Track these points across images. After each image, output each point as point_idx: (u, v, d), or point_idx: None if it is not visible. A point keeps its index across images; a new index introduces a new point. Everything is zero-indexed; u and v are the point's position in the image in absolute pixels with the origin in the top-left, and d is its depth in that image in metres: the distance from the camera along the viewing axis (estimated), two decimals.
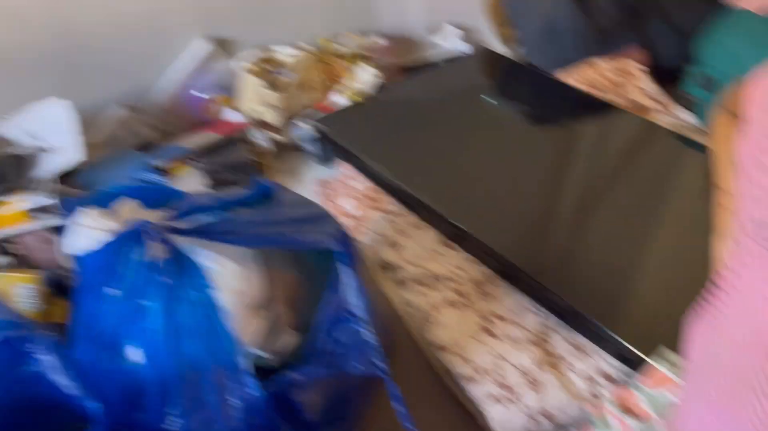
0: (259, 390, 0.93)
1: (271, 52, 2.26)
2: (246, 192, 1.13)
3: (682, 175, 1.76)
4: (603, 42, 2.19)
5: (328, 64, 2.24)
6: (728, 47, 1.94)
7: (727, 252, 0.82)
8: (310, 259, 1.26)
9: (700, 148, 1.81)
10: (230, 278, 1.02)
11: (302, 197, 1.25)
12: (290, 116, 2.17)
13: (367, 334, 1.03)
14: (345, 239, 1.10)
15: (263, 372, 1.01)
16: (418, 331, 1.55)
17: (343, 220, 1.83)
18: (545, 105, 2.09)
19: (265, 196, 1.15)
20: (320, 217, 1.16)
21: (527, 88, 2.18)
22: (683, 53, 2.18)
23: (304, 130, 2.08)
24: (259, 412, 0.93)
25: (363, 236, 1.80)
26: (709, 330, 0.81)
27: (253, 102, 2.14)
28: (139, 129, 2.12)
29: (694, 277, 1.26)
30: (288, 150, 2.23)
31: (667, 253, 1.52)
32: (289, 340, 1.13)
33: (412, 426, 0.96)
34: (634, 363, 1.31)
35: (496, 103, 2.06)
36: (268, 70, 2.21)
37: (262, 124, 2.15)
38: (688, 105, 2.06)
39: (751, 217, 0.71)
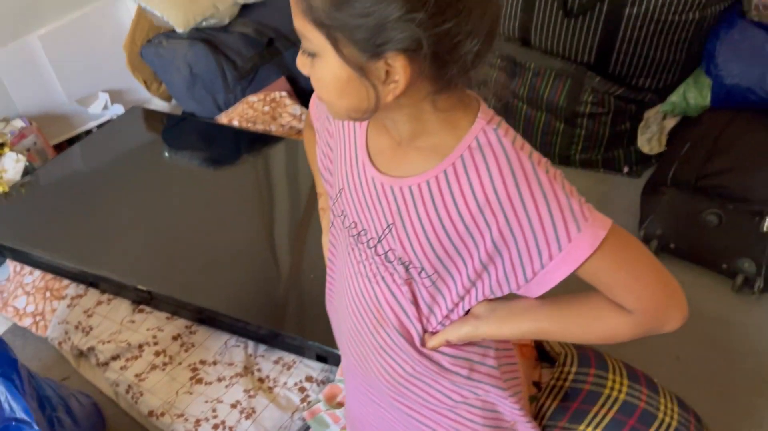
0: None
1: None
2: None
3: None
4: (249, 80, 2.34)
5: None
6: None
7: (327, 245, 0.97)
8: None
9: None
10: None
11: None
12: None
13: None
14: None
15: None
16: (130, 407, 1.50)
17: (25, 321, 1.71)
18: (207, 150, 2.17)
19: None
20: None
21: (187, 136, 2.25)
22: None
23: None
24: None
25: (49, 331, 1.68)
26: (331, 308, 0.96)
27: None
28: None
29: None
30: None
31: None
32: None
33: None
34: (329, 361, 1.45)
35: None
36: None
37: None
38: None
39: (332, 209, 0.85)
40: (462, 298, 0.76)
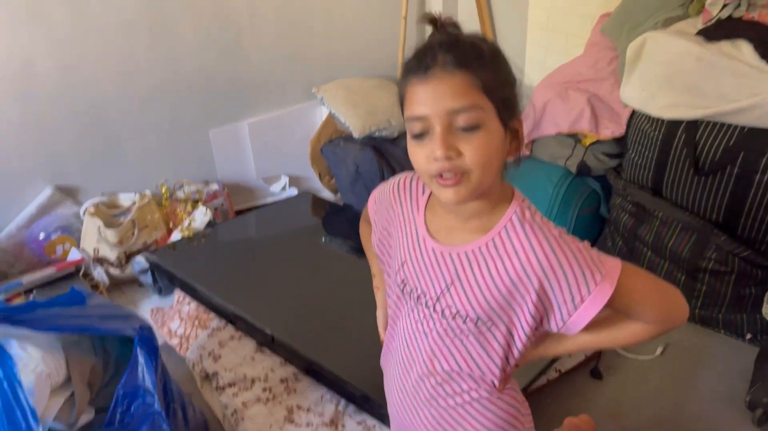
0: None
1: (114, 197, 2.53)
2: (58, 298, 1.35)
3: None
4: None
5: (166, 207, 2.53)
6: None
7: (380, 317, 1.17)
8: (113, 348, 1.46)
9: None
10: (34, 361, 1.20)
11: (113, 303, 1.48)
12: (129, 253, 2.40)
13: (157, 405, 1.23)
14: (145, 330, 1.33)
15: None
16: (231, 429, 1.73)
17: (173, 341, 2.05)
18: (354, 237, 2.48)
19: (77, 300, 1.36)
20: (125, 315, 1.38)
21: (343, 223, 2.59)
22: None
23: (142, 264, 2.30)
24: None
25: (189, 352, 2.00)
26: (385, 361, 1.13)
27: (92, 240, 2.36)
28: None
29: None
30: (128, 283, 2.42)
31: None
32: (86, 416, 1.30)
33: None
34: None
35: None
36: (110, 213, 2.46)
37: (101, 260, 2.36)
38: None
39: (391, 282, 1.04)
40: (513, 342, 0.91)
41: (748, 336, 1.99)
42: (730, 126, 1.82)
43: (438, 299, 0.91)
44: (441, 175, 0.81)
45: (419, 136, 0.82)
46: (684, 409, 1.77)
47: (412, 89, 0.81)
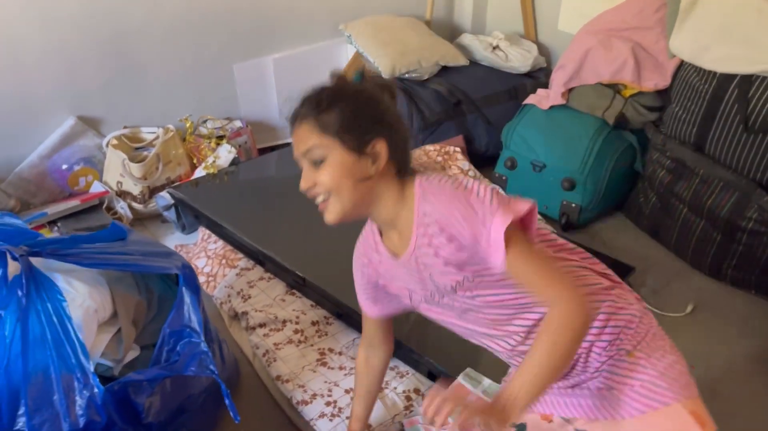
0: (100, 388, 1.08)
1: (136, 131, 2.47)
2: (99, 233, 1.31)
3: None
4: (431, 131, 2.61)
5: (190, 143, 2.48)
6: (522, 134, 2.41)
7: None
8: (155, 286, 1.45)
9: None
10: (81, 296, 1.18)
11: (152, 239, 1.45)
12: (152, 188, 2.35)
13: (203, 345, 1.21)
14: (187, 269, 1.30)
15: (109, 380, 1.16)
16: (263, 368, 1.74)
17: (200, 279, 2.03)
18: None
19: (119, 235, 1.33)
20: (166, 253, 1.36)
21: None
22: (495, 140, 2.65)
23: (165, 199, 2.27)
24: (100, 409, 1.07)
25: (216, 291, 1.99)
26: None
27: (116, 174, 2.31)
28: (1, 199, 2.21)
29: None
30: (151, 219, 2.39)
31: None
32: (132, 353, 1.29)
33: (236, 416, 1.14)
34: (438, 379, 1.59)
35: None
36: (132, 146, 2.41)
37: (124, 194, 2.32)
38: (498, 181, 2.50)
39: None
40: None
41: None
42: None
43: (437, 291, 1.04)
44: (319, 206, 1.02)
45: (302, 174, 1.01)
46: (713, 368, 1.77)
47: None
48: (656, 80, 2.18)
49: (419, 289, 1.07)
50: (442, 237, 0.95)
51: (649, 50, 2.22)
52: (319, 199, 1.01)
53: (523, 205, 0.93)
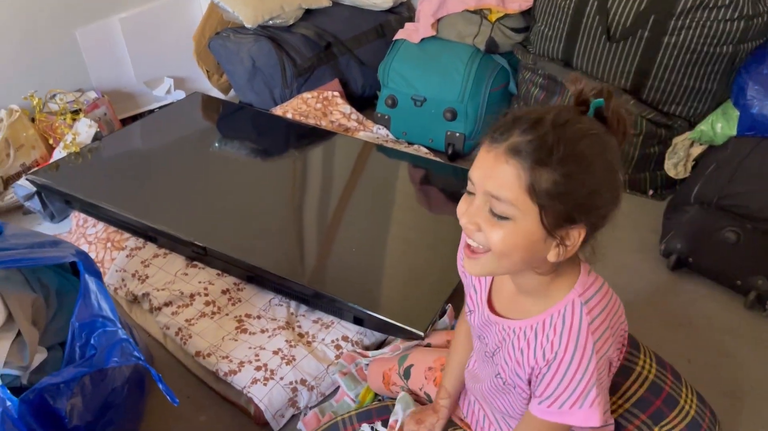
0: (13, 400, 0.95)
1: None
2: None
3: (387, 175, 2.12)
4: (305, 78, 2.52)
5: (42, 121, 2.21)
6: (398, 70, 2.39)
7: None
8: (48, 280, 1.29)
9: (396, 154, 2.22)
10: None
11: (32, 230, 1.28)
12: (6, 177, 2.09)
13: (121, 332, 1.10)
14: (83, 254, 1.17)
15: (20, 391, 1.02)
16: (178, 348, 1.63)
17: None
18: (263, 136, 2.34)
19: None
20: (53, 242, 1.20)
21: (243, 124, 2.41)
22: (370, 81, 2.62)
23: (25, 188, 2.02)
24: (17, 422, 0.95)
25: (107, 277, 1.82)
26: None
27: None
28: None
29: (395, 255, 1.71)
30: (11, 212, 2.13)
31: (370, 234, 1.83)
32: (38, 356, 1.15)
33: (174, 400, 1.06)
34: (365, 323, 1.57)
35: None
36: None
37: None
38: (382, 121, 2.48)
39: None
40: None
41: (650, 192, 2.16)
42: None
43: (493, 354, 0.96)
44: (468, 246, 0.83)
45: (469, 191, 0.81)
46: (606, 264, 1.91)
47: (482, 147, 0.79)
48: (519, 1, 2.24)
49: (483, 343, 1.00)
50: (536, 366, 0.85)
51: None
52: (473, 244, 0.81)
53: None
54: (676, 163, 2.08)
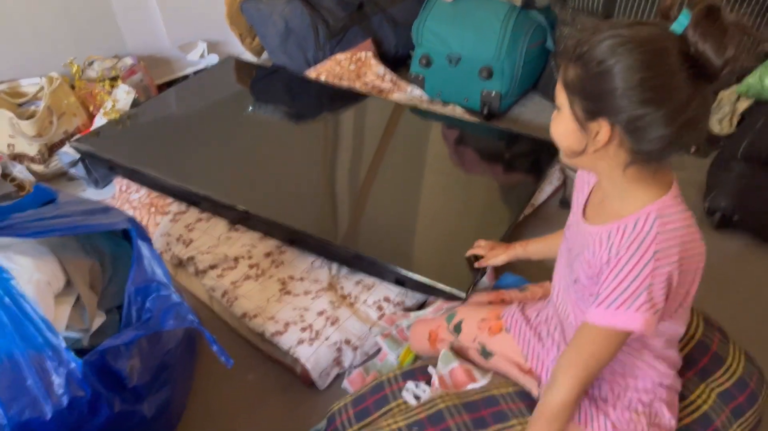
0: (78, 361, 0.99)
1: (15, 84, 2.20)
2: (25, 198, 1.17)
3: (424, 138, 2.11)
4: (338, 40, 2.50)
5: (81, 89, 2.24)
6: (432, 29, 2.35)
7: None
8: (103, 246, 1.33)
9: (431, 115, 2.20)
10: (27, 270, 1.06)
11: (83, 198, 1.31)
12: (50, 145, 2.13)
13: (174, 296, 1.14)
14: (133, 221, 1.20)
15: (82, 353, 1.06)
16: (224, 310, 1.67)
17: None
18: (297, 99, 2.34)
19: (47, 198, 1.19)
20: (105, 208, 1.24)
21: (277, 88, 2.41)
22: (403, 40, 2.58)
23: (70, 155, 2.06)
24: (82, 383, 0.99)
25: (152, 241, 1.87)
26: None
27: (4, 136, 2.06)
28: None
29: (432, 217, 1.73)
30: (57, 178, 2.18)
31: (408, 195, 1.84)
32: (98, 319, 1.19)
33: (229, 360, 1.09)
34: (407, 284, 1.59)
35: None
36: (16, 103, 2.15)
37: (19, 157, 2.09)
38: (416, 81, 2.45)
39: None
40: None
41: (693, 148, 2.11)
42: None
43: (574, 260, 1.01)
44: None
45: None
46: None
47: None
48: None
49: (568, 249, 1.05)
50: (602, 262, 0.90)
51: None
52: None
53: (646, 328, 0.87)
54: (721, 119, 2.03)
